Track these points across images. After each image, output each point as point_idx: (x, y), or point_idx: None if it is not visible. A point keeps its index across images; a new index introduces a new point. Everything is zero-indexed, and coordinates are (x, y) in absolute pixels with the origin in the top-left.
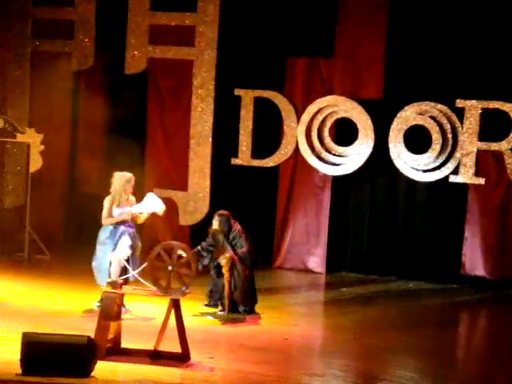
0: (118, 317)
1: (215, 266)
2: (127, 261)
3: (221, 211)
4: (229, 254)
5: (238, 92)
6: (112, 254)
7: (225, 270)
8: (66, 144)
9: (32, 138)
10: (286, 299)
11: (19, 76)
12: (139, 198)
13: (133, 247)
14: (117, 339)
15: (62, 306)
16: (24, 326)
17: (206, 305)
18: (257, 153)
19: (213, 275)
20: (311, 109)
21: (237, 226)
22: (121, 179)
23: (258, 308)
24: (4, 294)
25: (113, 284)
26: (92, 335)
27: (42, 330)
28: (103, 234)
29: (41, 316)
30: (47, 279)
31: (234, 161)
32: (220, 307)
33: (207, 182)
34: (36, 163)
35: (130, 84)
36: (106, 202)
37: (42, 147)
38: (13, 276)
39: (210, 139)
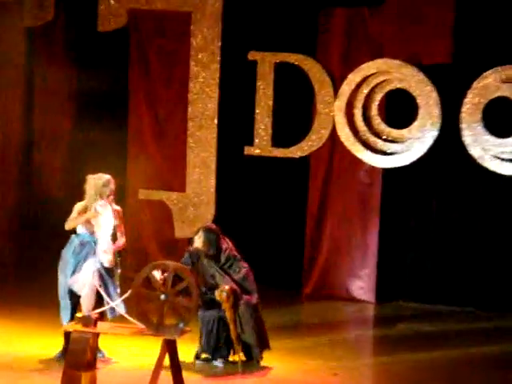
0: (91, 366)
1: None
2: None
3: (208, 225)
4: (228, 285)
5: (253, 56)
6: (76, 277)
7: (226, 308)
8: (19, 132)
9: None
10: (321, 339)
11: None
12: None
13: (100, 273)
14: None
15: (11, 355)
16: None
17: (196, 356)
18: (279, 139)
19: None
20: (353, 78)
21: (228, 245)
22: (96, 183)
23: (285, 350)
24: None
25: (84, 320)
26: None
27: None
28: (66, 252)
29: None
30: None
31: (249, 150)
32: (218, 358)
33: (212, 181)
34: None
35: (103, 47)
36: (76, 207)
37: None
38: None
39: (216, 121)
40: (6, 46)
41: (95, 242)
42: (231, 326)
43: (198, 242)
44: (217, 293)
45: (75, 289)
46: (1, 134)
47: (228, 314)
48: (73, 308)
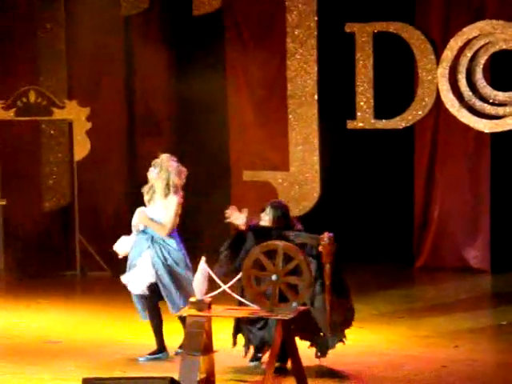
0: (208, 349)
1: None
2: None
3: (276, 201)
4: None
5: (350, 28)
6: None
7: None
8: (122, 118)
9: (74, 114)
10: (437, 311)
11: (50, 32)
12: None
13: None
14: (209, 380)
15: (130, 339)
16: (83, 368)
17: (251, 360)
18: (382, 111)
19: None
20: (455, 42)
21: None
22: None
23: (402, 323)
24: (54, 328)
25: (198, 304)
26: (176, 376)
27: (106, 372)
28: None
29: (103, 353)
30: (108, 303)
31: (351, 124)
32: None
33: (315, 157)
34: (82, 147)
35: (200, 30)
36: (175, 201)
37: (89, 125)
38: (64, 301)
39: (316, 97)
40: (104, 36)
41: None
42: (326, 294)
43: (266, 219)
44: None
45: (129, 287)
46: (103, 122)
47: (326, 272)
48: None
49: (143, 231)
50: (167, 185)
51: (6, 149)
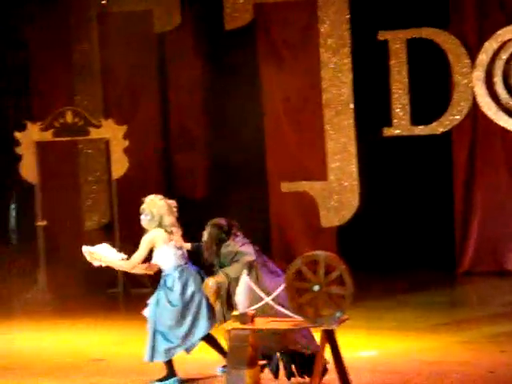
0: (253, 362)
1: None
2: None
3: (215, 220)
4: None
5: (383, 35)
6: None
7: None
8: (158, 135)
9: (111, 132)
10: (481, 316)
11: (85, 50)
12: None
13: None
14: None
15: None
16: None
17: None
18: (418, 117)
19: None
20: (490, 45)
21: (238, 244)
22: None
23: (445, 328)
24: (98, 346)
25: (242, 318)
26: None
27: None
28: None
29: (147, 371)
30: None
31: (388, 131)
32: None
33: (353, 166)
34: (120, 165)
35: (233, 43)
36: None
37: (127, 143)
38: (105, 319)
39: (352, 106)
40: (138, 54)
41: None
42: None
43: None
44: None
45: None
46: (140, 140)
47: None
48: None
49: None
50: (159, 227)
51: (44, 169)
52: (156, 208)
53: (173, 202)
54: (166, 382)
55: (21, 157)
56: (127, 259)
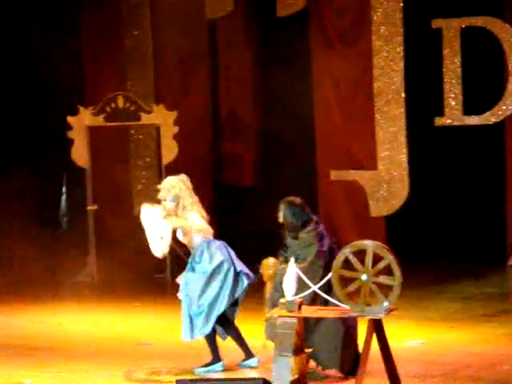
0: (299, 350)
1: None
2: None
3: (290, 198)
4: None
5: (437, 24)
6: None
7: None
8: (207, 121)
9: (162, 118)
10: None
11: (137, 38)
12: None
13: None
14: (302, 381)
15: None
16: (175, 369)
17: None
18: (471, 106)
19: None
20: None
21: (318, 226)
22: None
23: (491, 321)
24: (145, 331)
25: (289, 305)
26: (269, 377)
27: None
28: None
29: (195, 355)
30: None
31: (440, 121)
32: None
33: (403, 155)
34: (170, 152)
35: (284, 30)
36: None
37: (176, 129)
38: (153, 304)
39: (403, 95)
40: (190, 40)
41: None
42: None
43: (279, 217)
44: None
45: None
46: (190, 126)
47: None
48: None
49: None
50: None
51: (96, 154)
52: (176, 191)
53: (184, 176)
54: (211, 366)
55: (72, 141)
56: None
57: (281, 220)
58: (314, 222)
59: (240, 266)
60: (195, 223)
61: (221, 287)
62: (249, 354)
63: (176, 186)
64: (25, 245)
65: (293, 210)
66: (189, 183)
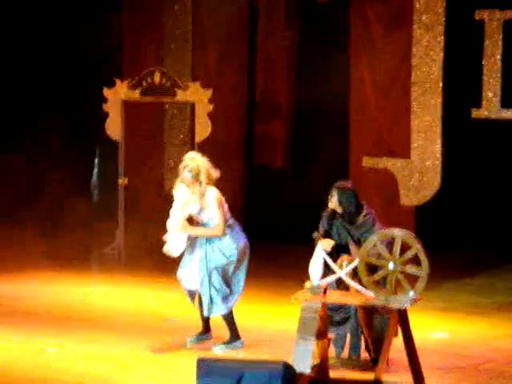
0: (322, 334)
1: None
2: None
3: (342, 183)
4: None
5: (480, 15)
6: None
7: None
8: (242, 101)
9: (197, 96)
10: None
11: (178, 14)
12: None
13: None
14: (323, 366)
15: (248, 318)
16: (199, 346)
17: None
18: (509, 101)
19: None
20: None
21: (370, 211)
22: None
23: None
24: (169, 307)
25: (313, 289)
26: (290, 360)
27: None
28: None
29: (220, 333)
30: None
31: (477, 113)
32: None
33: (438, 146)
34: (204, 130)
35: (324, 16)
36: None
37: (211, 107)
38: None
39: (441, 85)
40: (230, 19)
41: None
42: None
43: (332, 202)
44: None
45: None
46: (224, 105)
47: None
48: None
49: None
50: (200, 184)
51: (130, 128)
52: (199, 162)
53: (205, 158)
54: (232, 344)
55: (107, 114)
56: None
57: (333, 205)
58: (366, 206)
59: None
60: (208, 229)
61: (244, 272)
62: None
63: (196, 159)
64: (56, 214)
65: (347, 195)
66: (208, 163)
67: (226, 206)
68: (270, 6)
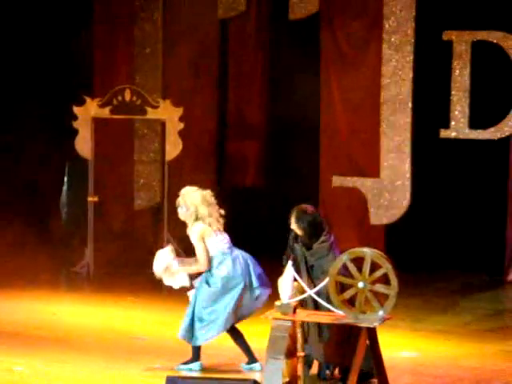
0: (291, 353)
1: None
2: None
3: (302, 205)
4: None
5: (448, 35)
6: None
7: None
8: (213, 120)
9: (168, 114)
10: None
11: (148, 32)
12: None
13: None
14: None
15: (219, 337)
16: (168, 365)
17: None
18: (477, 121)
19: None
20: None
21: (330, 237)
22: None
23: (486, 336)
24: (140, 325)
25: (283, 308)
26: (259, 379)
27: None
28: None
29: (188, 352)
30: None
31: (445, 133)
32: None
33: (407, 165)
34: (174, 148)
35: (295, 34)
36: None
37: (182, 125)
38: (148, 298)
39: (410, 105)
40: (201, 37)
41: None
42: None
43: (292, 224)
44: None
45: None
46: (195, 123)
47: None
48: None
49: None
50: (197, 219)
51: (100, 146)
52: (190, 199)
53: (208, 192)
54: (189, 365)
55: (77, 131)
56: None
57: (293, 227)
58: (327, 231)
59: (257, 281)
60: (192, 266)
61: (227, 305)
62: (252, 358)
63: (185, 195)
64: (26, 232)
65: (303, 220)
66: (210, 198)
67: (217, 238)
68: (241, 23)
